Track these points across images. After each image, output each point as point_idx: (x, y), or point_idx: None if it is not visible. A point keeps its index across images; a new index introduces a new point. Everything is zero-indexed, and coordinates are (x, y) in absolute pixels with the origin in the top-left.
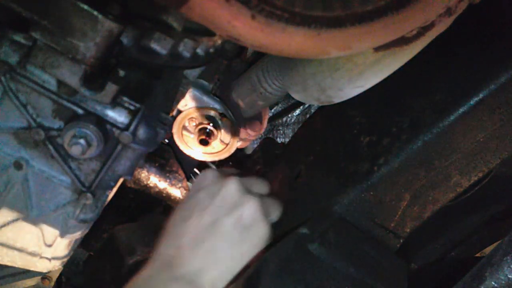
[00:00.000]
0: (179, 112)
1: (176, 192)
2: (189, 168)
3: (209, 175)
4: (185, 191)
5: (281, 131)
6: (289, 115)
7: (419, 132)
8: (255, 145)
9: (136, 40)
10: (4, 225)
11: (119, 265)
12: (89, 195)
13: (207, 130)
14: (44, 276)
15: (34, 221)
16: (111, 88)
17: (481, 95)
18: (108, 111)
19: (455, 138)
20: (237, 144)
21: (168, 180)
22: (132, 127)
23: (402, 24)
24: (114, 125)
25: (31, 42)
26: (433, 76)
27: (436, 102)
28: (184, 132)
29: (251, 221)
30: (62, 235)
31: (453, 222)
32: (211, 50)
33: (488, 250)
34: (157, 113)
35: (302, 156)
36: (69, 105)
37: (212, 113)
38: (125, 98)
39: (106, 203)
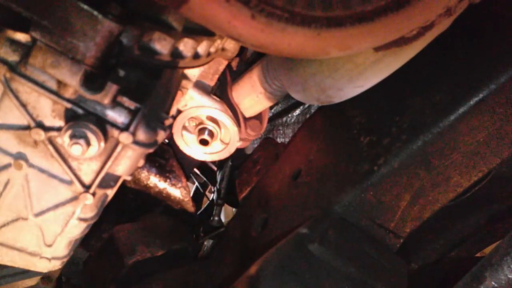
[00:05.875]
0: (179, 112)
1: (176, 192)
2: (189, 168)
3: None
4: (185, 191)
5: (281, 131)
6: (289, 115)
7: (419, 132)
8: (255, 145)
9: (136, 40)
10: (4, 225)
11: (119, 265)
12: (89, 195)
13: (207, 130)
14: (44, 276)
15: (34, 221)
16: (111, 88)
17: (481, 95)
18: (108, 111)
19: (455, 138)
20: (237, 144)
21: (168, 180)
22: (132, 127)
23: (402, 24)
24: (114, 125)
25: (31, 42)
26: (433, 76)
27: (436, 102)
28: (184, 132)
29: None
30: (62, 235)
31: (453, 222)
32: (211, 50)
33: (488, 250)
34: (157, 113)
35: (302, 156)
36: (69, 105)
37: (212, 113)
38: (125, 98)
39: (106, 203)
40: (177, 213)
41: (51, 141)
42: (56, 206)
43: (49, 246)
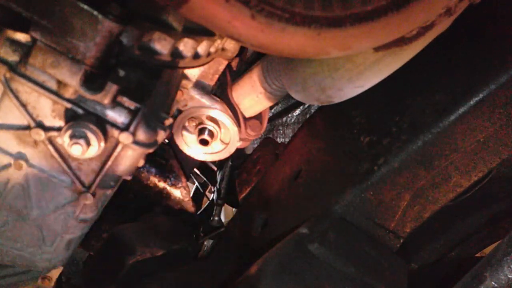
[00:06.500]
0: (179, 112)
1: (176, 192)
2: (189, 168)
3: None
4: (185, 191)
5: (281, 131)
6: (289, 115)
7: (419, 132)
8: (255, 145)
9: (136, 40)
10: (4, 225)
11: (119, 265)
12: (89, 195)
13: (207, 130)
14: (44, 276)
15: (34, 221)
16: (111, 88)
17: (481, 95)
18: (108, 111)
19: (455, 138)
20: (237, 144)
21: (168, 180)
22: (132, 127)
23: (402, 24)
24: (114, 125)
25: (31, 42)
26: (433, 76)
27: (436, 102)
28: (184, 132)
29: None
30: (62, 235)
31: (453, 222)
32: (211, 50)
33: (488, 250)
34: (157, 113)
35: (302, 156)
36: (69, 105)
37: (212, 113)
38: (125, 98)
39: (106, 203)
40: (177, 213)
41: (51, 141)
42: (56, 206)
43: (49, 246)
